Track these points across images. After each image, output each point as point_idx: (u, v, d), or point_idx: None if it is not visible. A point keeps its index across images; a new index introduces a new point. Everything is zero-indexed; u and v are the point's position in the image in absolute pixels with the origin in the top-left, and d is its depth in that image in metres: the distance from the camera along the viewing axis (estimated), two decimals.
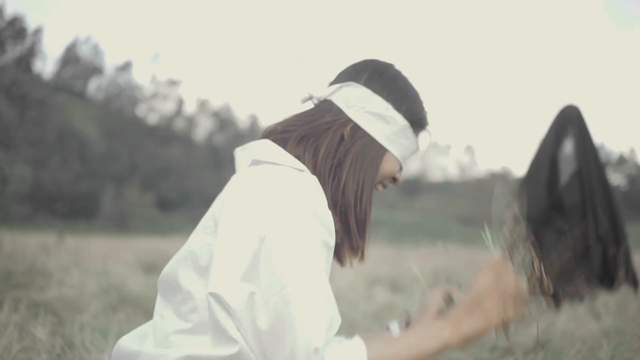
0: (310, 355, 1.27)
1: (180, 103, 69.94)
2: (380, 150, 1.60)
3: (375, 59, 1.69)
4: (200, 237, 1.47)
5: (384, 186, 1.69)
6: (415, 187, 72.79)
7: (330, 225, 1.40)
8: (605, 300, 4.28)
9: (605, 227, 4.79)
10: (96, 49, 66.99)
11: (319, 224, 1.38)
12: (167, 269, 1.52)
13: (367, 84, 1.61)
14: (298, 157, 1.53)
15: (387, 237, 29.61)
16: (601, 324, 3.66)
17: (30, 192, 39.32)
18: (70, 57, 65.38)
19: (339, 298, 4.58)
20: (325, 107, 1.62)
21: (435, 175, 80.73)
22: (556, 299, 4.56)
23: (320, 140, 1.57)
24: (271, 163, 1.48)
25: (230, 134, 69.52)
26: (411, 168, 78.54)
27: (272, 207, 1.37)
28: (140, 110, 69.06)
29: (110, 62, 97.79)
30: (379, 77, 1.63)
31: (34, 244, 9.53)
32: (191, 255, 1.46)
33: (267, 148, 1.53)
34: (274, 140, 1.57)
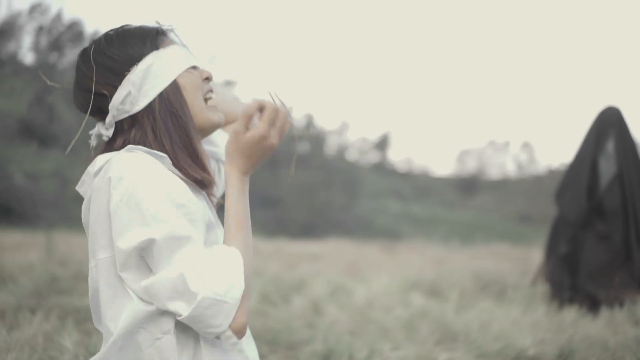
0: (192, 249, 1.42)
1: None
2: (174, 95, 1.61)
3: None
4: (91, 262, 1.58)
5: (210, 91, 1.70)
6: (473, 185, 71.86)
7: (173, 185, 1.49)
8: None
9: None
10: None
11: (163, 182, 1.47)
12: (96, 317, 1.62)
13: (108, 80, 1.59)
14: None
15: (441, 236, 29.32)
16: (639, 330, 3.61)
17: None
18: None
19: (372, 303, 4.57)
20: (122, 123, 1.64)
21: (493, 173, 79.60)
22: (594, 304, 4.49)
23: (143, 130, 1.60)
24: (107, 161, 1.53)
25: (286, 134, 69.82)
26: (469, 166, 77.69)
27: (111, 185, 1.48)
28: None
29: None
30: (106, 68, 1.60)
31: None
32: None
33: (100, 158, 1.57)
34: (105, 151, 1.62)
